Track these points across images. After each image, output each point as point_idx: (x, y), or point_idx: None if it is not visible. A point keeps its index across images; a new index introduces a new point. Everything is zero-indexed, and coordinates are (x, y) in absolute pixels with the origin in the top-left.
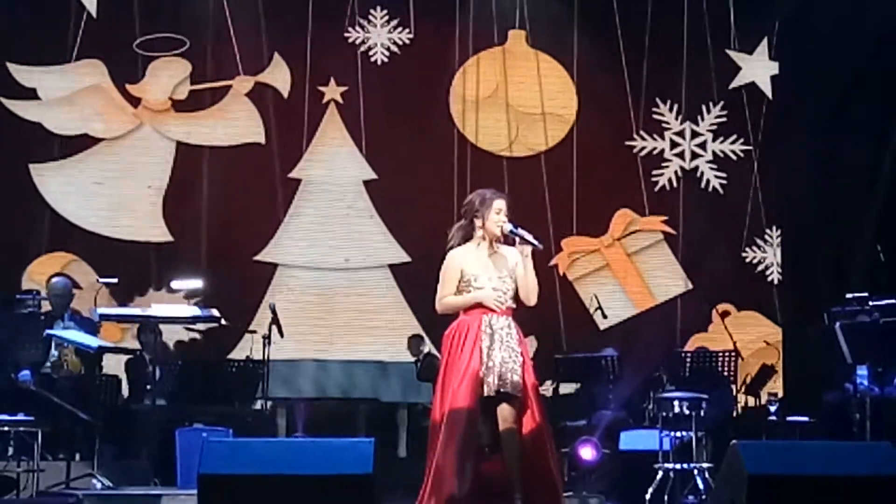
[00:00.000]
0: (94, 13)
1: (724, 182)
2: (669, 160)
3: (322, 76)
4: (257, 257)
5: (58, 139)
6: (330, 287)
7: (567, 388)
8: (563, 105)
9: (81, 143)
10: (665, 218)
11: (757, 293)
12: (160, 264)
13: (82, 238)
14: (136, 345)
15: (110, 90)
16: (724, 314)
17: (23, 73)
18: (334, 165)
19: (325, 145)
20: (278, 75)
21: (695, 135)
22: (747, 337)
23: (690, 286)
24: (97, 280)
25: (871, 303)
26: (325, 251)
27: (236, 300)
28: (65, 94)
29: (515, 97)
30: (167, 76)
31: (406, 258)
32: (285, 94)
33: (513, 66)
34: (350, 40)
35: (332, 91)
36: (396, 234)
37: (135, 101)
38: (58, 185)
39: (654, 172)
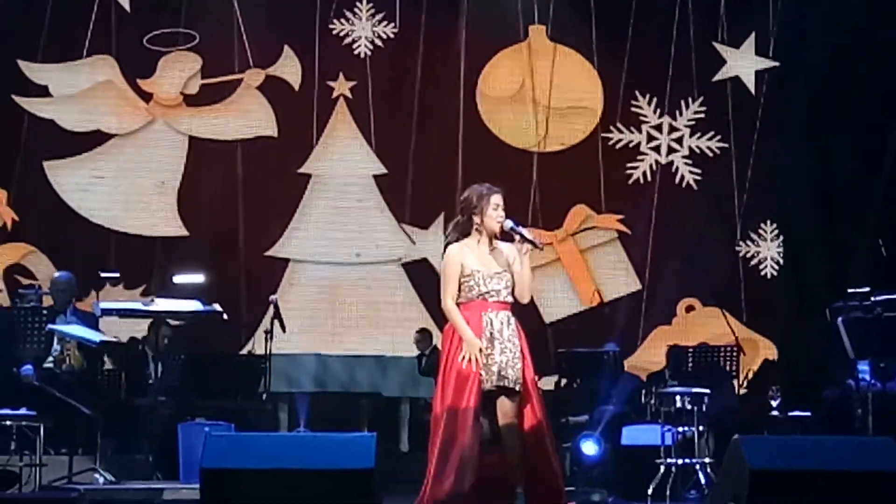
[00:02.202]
0: (127, 7)
1: (699, 178)
2: (646, 153)
3: (331, 71)
4: (268, 253)
5: (71, 136)
6: (341, 282)
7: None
8: (586, 98)
9: (94, 139)
10: (621, 217)
11: (731, 288)
12: (171, 259)
13: (97, 233)
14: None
15: (122, 86)
16: (689, 309)
17: (34, 71)
18: (344, 160)
19: (334, 140)
20: (289, 68)
21: (672, 129)
22: (712, 332)
23: (639, 286)
24: (99, 273)
25: (873, 298)
26: (337, 246)
27: (247, 296)
28: (76, 90)
29: (537, 92)
30: (178, 71)
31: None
32: (296, 87)
33: (534, 61)
34: (335, 32)
35: (342, 86)
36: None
37: (146, 97)
38: (72, 181)
39: (629, 165)
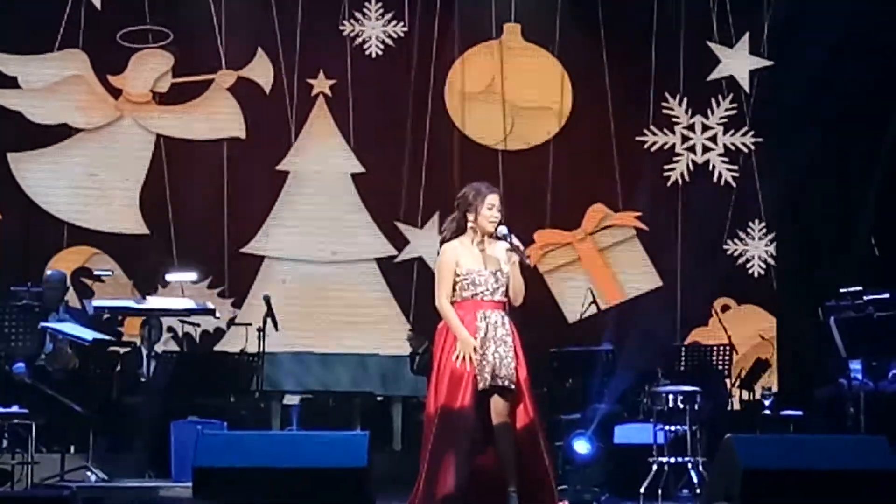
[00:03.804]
0: (98, 5)
1: (737, 175)
2: (681, 154)
3: (311, 69)
4: (244, 249)
5: (37, 128)
6: (317, 280)
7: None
8: (556, 99)
9: (61, 133)
10: (638, 214)
11: (744, 287)
12: (140, 257)
13: (58, 228)
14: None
15: (91, 81)
16: (725, 308)
17: (3, 62)
18: (322, 158)
19: (313, 138)
20: (261, 70)
21: (706, 128)
22: (747, 332)
23: (660, 283)
24: (92, 272)
25: (865, 297)
26: (313, 244)
27: (226, 292)
28: (46, 83)
29: (510, 90)
30: (149, 68)
31: (393, 252)
32: (267, 90)
33: (508, 59)
34: (345, 33)
35: (321, 84)
36: (384, 227)
37: (116, 93)
38: (35, 174)
39: (667, 167)
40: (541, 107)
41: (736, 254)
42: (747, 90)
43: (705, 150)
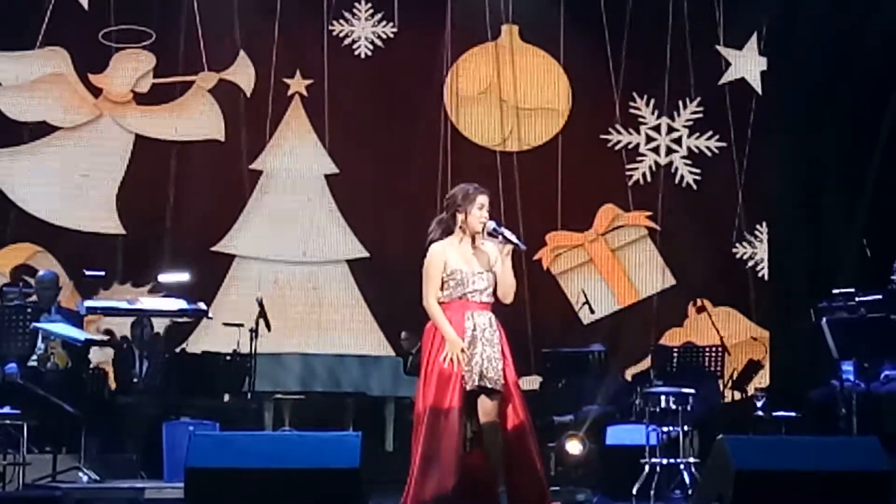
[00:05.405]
0: (85, 6)
1: (699, 178)
2: (644, 155)
3: (288, 69)
4: (215, 248)
5: (15, 125)
6: (287, 280)
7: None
8: (555, 100)
9: (39, 130)
10: (649, 213)
11: (740, 289)
12: (115, 256)
13: (32, 226)
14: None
15: (72, 79)
16: (701, 309)
17: None
18: (296, 158)
19: (288, 138)
20: (242, 73)
21: (671, 130)
22: (723, 332)
23: (674, 282)
24: (84, 273)
25: (857, 298)
26: (284, 244)
27: (193, 291)
28: (26, 80)
29: (507, 92)
30: (131, 68)
31: (365, 254)
32: (248, 93)
33: (505, 61)
34: (334, 33)
35: (297, 84)
36: (356, 229)
37: (96, 92)
38: (11, 171)
39: (629, 167)
40: (540, 108)
41: (746, 257)
42: (760, 92)
43: (670, 151)
